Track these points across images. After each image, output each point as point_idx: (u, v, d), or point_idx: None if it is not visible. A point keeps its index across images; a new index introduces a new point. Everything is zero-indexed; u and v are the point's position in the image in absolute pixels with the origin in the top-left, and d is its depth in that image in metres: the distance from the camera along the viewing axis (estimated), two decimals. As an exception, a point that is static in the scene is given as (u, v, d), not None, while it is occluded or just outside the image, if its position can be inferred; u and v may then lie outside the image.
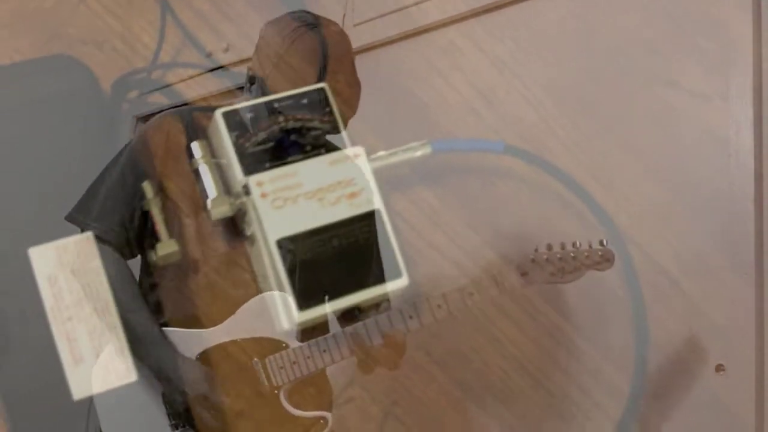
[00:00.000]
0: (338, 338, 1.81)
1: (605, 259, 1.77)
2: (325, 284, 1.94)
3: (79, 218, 1.93)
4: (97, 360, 1.71)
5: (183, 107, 2.08)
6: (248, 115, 2.04)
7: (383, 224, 1.98)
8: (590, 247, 1.77)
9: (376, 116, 2.19)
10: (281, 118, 2.04)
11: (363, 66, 2.09)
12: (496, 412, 2.07)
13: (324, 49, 1.80)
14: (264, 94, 1.86)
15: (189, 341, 1.83)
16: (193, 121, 1.97)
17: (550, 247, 1.78)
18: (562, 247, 1.78)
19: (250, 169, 1.98)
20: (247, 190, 1.96)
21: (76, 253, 1.76)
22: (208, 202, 2.01)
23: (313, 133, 2.05)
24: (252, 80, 1.91)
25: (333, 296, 1.93)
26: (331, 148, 2.03)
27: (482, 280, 1.79)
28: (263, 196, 1.96)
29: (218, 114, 1.98)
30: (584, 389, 1.99)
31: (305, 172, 1.99)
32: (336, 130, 2.06)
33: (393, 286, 1.95)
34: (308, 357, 1.79)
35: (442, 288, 2.10)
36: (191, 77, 2.67)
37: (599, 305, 2.04)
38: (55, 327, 1.73)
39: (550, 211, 2.11)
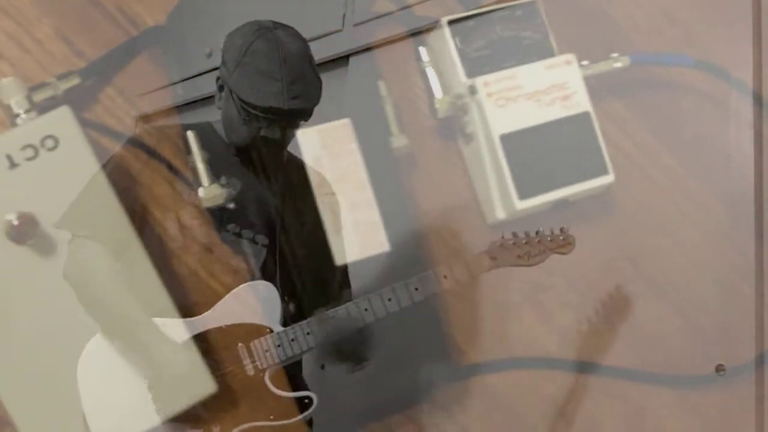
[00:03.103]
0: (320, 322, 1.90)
1: (567, 243, 1.92)
2: (541, 177, 2.15)
3: (68, 225, 1.95)
4: (355, 230, 1.94)
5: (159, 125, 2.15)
6: (469, 25, 2.26)
7: (592, 125, 2.16)
8: (552, 232, 1.92)
9: (572, 32, 2.35)
10: (498, 28, 2.25)
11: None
12: (672, 308, 2.19)
13: (280, 46, 1.83)
14: (231, 98, 1.86)
15: (176, 329, 1.88)
16: (167, 134, 1.99)
17: (515, 234, 1.91)
18: (527, 233, 1.91)
19: (472, 72, 2.24)
20: (473, 90, 2.18)
21: (336, 137, 1.98)
22: (435, 101, 2.25)
23: (526, 42, 2.26)
24: (221, 88, 1.92)
25: (548, 188, 2.13)
26: (542, 55, 2.24)
27: (454, 264, 1.87)
28: (488, 95, 2.17)
29: (444, 21, 2.25)
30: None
31: (524, 76, 2.20)
32: (546, 40, 2.26)
33: (600, 181, 2.14)
34: (292, 340, 1.87)
35: (633, 194, 2.26)
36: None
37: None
38: (320, 200, 1.96)
39: (729, 127, 2.23)
